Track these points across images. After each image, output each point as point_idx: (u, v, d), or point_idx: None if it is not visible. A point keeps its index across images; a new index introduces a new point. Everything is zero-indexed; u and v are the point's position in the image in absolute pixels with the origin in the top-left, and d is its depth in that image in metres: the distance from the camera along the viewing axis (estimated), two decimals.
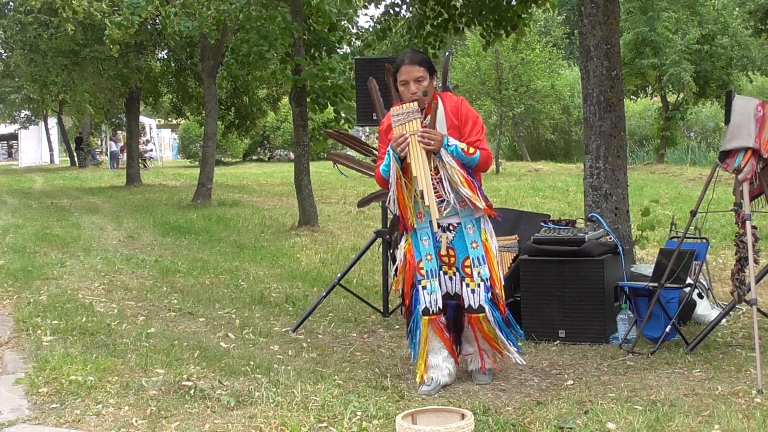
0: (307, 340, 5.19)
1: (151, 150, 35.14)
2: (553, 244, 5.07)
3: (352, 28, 12.93)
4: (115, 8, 12.86)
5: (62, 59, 18.25)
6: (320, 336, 5.34)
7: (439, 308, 4.11)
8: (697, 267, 5.14)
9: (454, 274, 4.14)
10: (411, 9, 10.11)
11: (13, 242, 9.79)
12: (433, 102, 4.07)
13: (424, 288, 4.11)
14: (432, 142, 3.93)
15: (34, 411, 3.80)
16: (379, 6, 10.64)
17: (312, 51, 11.60)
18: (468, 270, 4.08)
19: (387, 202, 4.18)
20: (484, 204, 4.03)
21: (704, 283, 5.63)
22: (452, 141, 4.00)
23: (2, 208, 15.14)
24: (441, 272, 4.15)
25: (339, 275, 5.83)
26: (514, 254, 5.55)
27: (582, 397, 3.83)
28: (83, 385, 4.07)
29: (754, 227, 4.45)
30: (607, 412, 3.57)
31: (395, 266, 4.33)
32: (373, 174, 4.55)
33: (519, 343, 4.32)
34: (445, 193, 4.02)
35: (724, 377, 4.10)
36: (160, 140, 38.93)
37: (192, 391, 3.96)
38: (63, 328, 5.30)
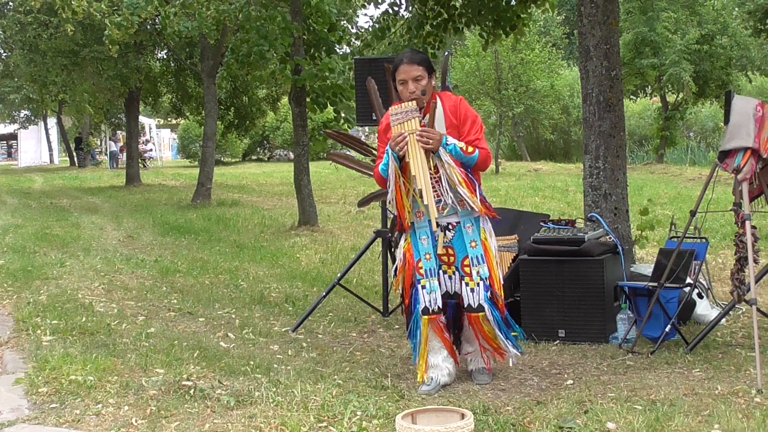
0: (306, 340, 5.19)
1: (151, 150, 35.14)
2: (553, 243, 5.07)
3: (352, 28, 12.94)
4: (115, 8, 12.85)
5: (62, 59, 18.25)
6: (320, 336, 5.35)
7: (438, 307, 4.11)
8: (697, 267, 5.14)
9: (454, 273, 4.14)
10: (411, 9, 10.11)
11: (12, 242, 9.79)
12: (431, 101, 4.07)
13: (423, 287, 4.11)
14: (431, 141, 3.93)
15: (33, 411, 3.80)
16: (379, 6, 10.65)
17: (312, 51, 11.61)
18: (467, 269, 4.09)
19: (387, 202, 4.18)
20: (479, 205, 4.02)
21: (704, 282, 5.64)
22: (451, 140, 4.00)
23: (2, 208, 15.14)
24: (440, 271, 4.15)
25: (339, 275, 5.83)
26: (514, 254, 5.55)
27: (582, 397, 3.83)
28: (83, 385, 4.07)
29: (753, 227, 4.45)
30: (607, 411, 3.57)
31: (395, 265, 4.33)
32: (372, 174, 4.55)
33: (519, 343, 4.32)
34: (444, 192, 4.02)
35: (723, 377, 4.10)
36: (160, 140, 38.94)
37: (192, 391, 3.96)
38: (63, 328, 5.30)
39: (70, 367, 4.31)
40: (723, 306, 5.42)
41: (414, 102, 4.01)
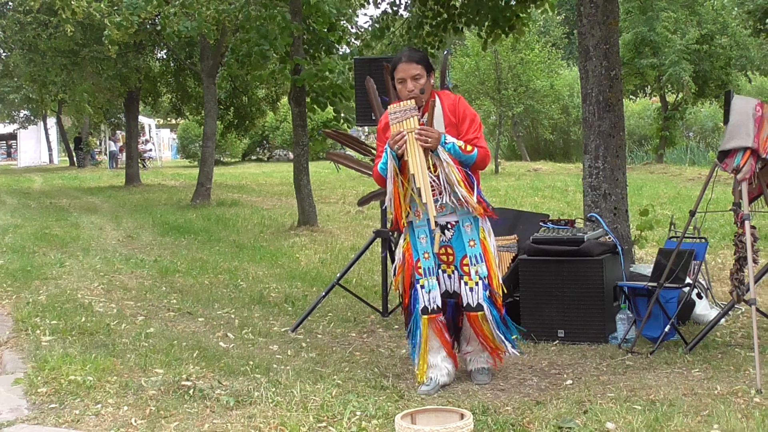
0: (306, 340, 5.19)
1: (151, 150, 35.12)
2: (553, 243, 5.07)
3: (352, 28, 12.93)
4: (115, 8, 12.85)
5: (61, 59, 18.24)
6: (319, 336, 5.34)
7: (437, 306, 4.11)
8: (696, 267, 5.14)
9: (453, 272, 4.14)
10: (410, 9, 10.10)
11: (12, 242, 9.78)
12: (430, 100, 4.07)
13: (422, 287, 4.11)
14: (429, 140, 3.93)
15: (33, 411, 3.80)
16: (379, 6, 10.65)
17: (311, 51, 11.61)
18: (466, 268, 4.08)
19: (385, 202, 4.17)
20: (476, 205, 4.01)
21: (703, 282, 5.64)
22: (449, 138, 4.00)
23: (1, 208, 15.13)
24: (440, 270, 4.15)
25: (338, 275, 5.83)
26: (513, 254, 5.55)
27: (581, 397, 3.83)
28: (82, 385, 4.07)
29: (752, 227, 4.45)
30: (606, 411, 3.57)
31: (394, 265, 4.33)
32: (371, 173, 4.55)
33: (517, 342, 4.32)
34: (442, 191, 4.02)
35: (723, 377, 4.11)
36: (159, 140, 38.92)
37: (191, 391, 3.96)
38: (62, 328, 5.30)
39: (69, 367, 4.31)
40: (722, 306, 5.42)
41: (413, 100, 4.01)
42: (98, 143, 37.33)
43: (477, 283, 4.07)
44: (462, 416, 3.32)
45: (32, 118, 34.88)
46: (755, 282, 4.44)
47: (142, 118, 29.09)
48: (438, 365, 4.12)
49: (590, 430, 3.40)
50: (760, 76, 27.21)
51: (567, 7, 33.03)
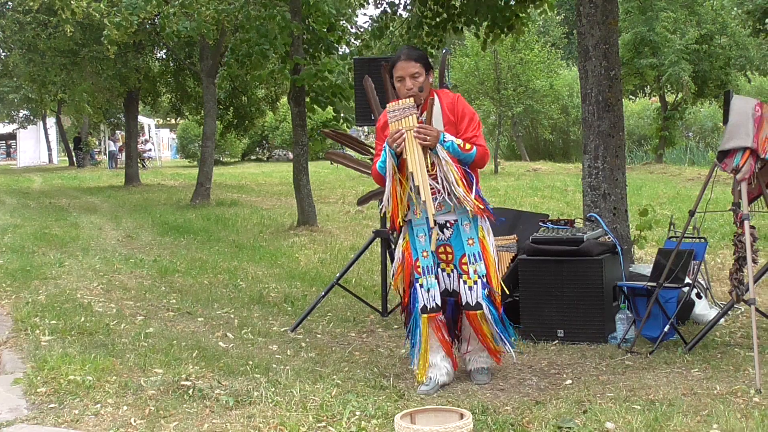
0: (305, 340, 5.19)
1: (150, 150, 35.12)
2: (552, 243, 5.08)
3: (351, 28, 12.93)
4: (114, 8, 12.84)
5: (61, 59, 18.23)
6: (319, 336, 5.34)
7: (436, 305, 4.12)
8: (696, 266, 5.14)
9: (452, 271, 4.14)
10: (410, 8, 10.11)
11: (11, 242, 9.78)
12: (429, 98, 4.07)
13: (421, 286, 4.12)
14: (428, 138, 3.93)
15: (32, 411, 3.80)
16: (378, 6, 10.65)
17: (311, 51, 11.61)
18: (465, 267, 4.08)
19: (382, 201, 4.16)
20: (473, 205, 4.01)
21: (703, 282, 5.64)
22: (448, 137, 3.99)
23: (1, 207, 15.13)
24: (439, 269, 4.15)
25: (338, 275, 5.83)
26: (513, 254, 5.55)
27: (581, 397, 3.83)
28: (82, 385, 4.06)
29: (752, 227, 4.45)
30: (606, 411, 3.58)
31: (394, 264, 4.33)
32: (370, 172, 4.55)
33: (517, 342, 4.32)
34: (440, 189, 4.02)
35: (722, 377, 4.11)
36: (159, 140, 38.90)
37: (191, 391, 3.96)
38: (61, 328, 5.30)
39: (68, 367, 4.31)
40: (722, 306, 5.42)
41: (411, 99, 4.01)
42: (98, 143, 37.32)
43: (476, 282, 4.07)
44: (461, 416, 3.32)
45: (32, 117, 34.86)
46: (754, 282, 4.44)
47: (141, 118, 29.08)
48: (437, 364, 4.12)
49: (590, 430, 3.40)
50: (759, 76, 27.21)
51: (566, 7, 33.05)
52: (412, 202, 4.07)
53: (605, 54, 5.88)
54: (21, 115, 34.62)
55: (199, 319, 5.79)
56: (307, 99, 11.08)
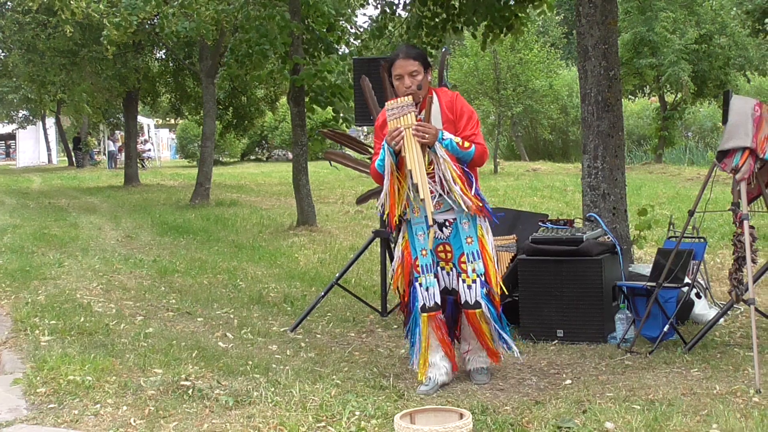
0: (305, 340, 5.19)
1: (149, 150, 35.11)
2: (552, 243, 5.08)
3: (351, 28, 12.93)
4: (113, 9, 12.85)
5: (60, 59, 18.23)
6: (318, 336, 5.34)
7: (436, 303, 4.12)
8: (695, 266, 5.14)
9: (451, 269, 4.14)
10: (409, 8, 10.10)
11: (10, 242, 9.78)
12: (427, 96, 4.07)
13: (420, 285, 4.12)
14: (426, 136, 3.93)
15: (32, 411, 3.80)
16: (378, 5, 10.65)
17: (311, 50, 11.61)
18: (464, 266, 4.09)
19: (379, 202, 4.16)
20: (471, 203, 4.00)
21: (702, 282, 5.64)
22: (447, 135, 3.99)
23: (0, 208, 15.12)
24: (438, 268, 4.15)
25: (337, 275, 5.83)
26: (513, 254, 5.55)
27: (580, 397, 3.84)
28: (81, 385, 4.06)
29: (751, 227, 4.45)
30: (606, 411, 3.58)
31: (393, 263, 4.33)
32: (369, 171, 4.55)
33: (516, 342, 4.32)
34: (439, 188, 4.02)
35: (722, 377, 4.11)
36: (158, 140, 38.90)
37: (190, 391, 3.96)
38: (61, 328, 5.30)
39: (68, 367, 4.31)
40: (721, 306, 5.43)
41: (410, 97, 4.01)
42: (97, 143, 37.32)
43: (474, 281, 4.07)
44: (461, 416, 3.32)
45: (31, 118, 34.83)
46: (754, 282, 4.44)
47: (140, 118, 29.07)
48: (437, 364, 4.13)
49: (589, 430, 3.40)
50: (758, 76, 27.23)
51: (566, 7, 33.06)
52: (411, 201, 4.07)
53: (604, 54, 5.88)
54: (20, 115, 34.59)
55: (199, 319, 5.79)
56: (307, 99, 11.08)
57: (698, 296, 5.38)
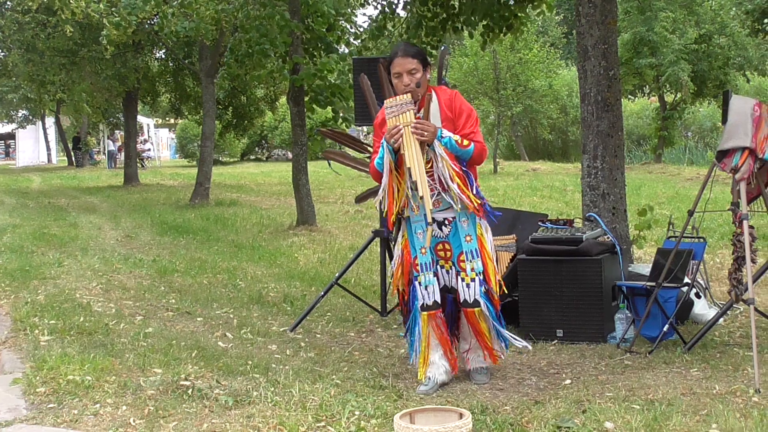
0: (305, 340, 5.19)
1: (149, 149, 35.11)
2: (551, 243, 5.08)
3: (351, 28, 12.93)
4: (113, 8, 12.84)
5: (60, 59, 18.23)
6: (318, 335, 5.34)
7: (435, 301, 4.12)
8: (695, 266, 5.14)
9: (451, 268, 4.14)
10: (410, 8, 10.10)
11: (10, 242, 9.77)
12: (426, 94, 4.07)
13: (420, 284, 4.12)
14: (425, 133, 3.93)
15: (31, 411, 3.80)
16: (378, 5, 10.64)
17: (311, 50, 11.61)
18: (463, 264, 4.09)
19: (377, 198, 4.16)
20: (468, 201, 4.00)
21: (702, 282, 5.64)
22: (446, 133, 3.99)
23: (0, 207, 15.12)
24: (438, 266, 4.15)
25: (337, 275, 5.83)
26: (512, 254, 5.55)
27: (580, 397, 3.84)
28: (81, 385, 4.06)
29: (751, 226, 4.45)
30: (605, 411, 3.58)
31: (393, 262, 4.33)
32: (368, 170, 4.55)
33: (514, 341, 4.32)
34: (437, 186, 4.02)
35: (721, 376, 4.11)
36: (158, 140, 38.91)
37: (190, 391, 3.96)
38: (60, 328, 5.30)
39: (68, 367, 4.31)
40: (721, 305, 5.43)
41: (409, 95, 4.01)
42: (97, 143, 37.31)
43: (473, 280, 4.07)
44: (461, 416, 3.32)
45: (31, 117, 34.84)
46: (753, 281, 4.44)
47: (140, 118, 29.07)
48: (436, 363, 4.13)
49: (589, 430, 3.40)
50: (758, 76, 27.23)
51: (566, 7, 33.06)
52: (410, 199, 4.07)
53: (604, 54, 5.88)
54: (20, 114, 34.60)
55: (199, 319, 5.79)
56: (306, 99, 11.08)
57: (698, 296, 5.38)
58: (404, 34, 10.10)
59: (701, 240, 5.39)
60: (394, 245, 4.33)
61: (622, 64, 19.84)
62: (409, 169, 3.92)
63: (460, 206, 4.02)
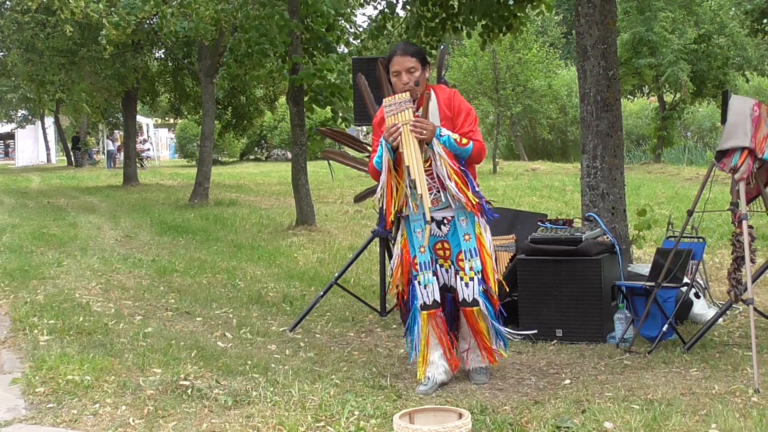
0: (304, 340, 5.19)
1: (148, 149, 35.10)
2: (551, 243, 5.08)
3: (350, 28, 12.94)
4: (112, 8, 12.84)
5: (59, 58, 18.22)
6: (318, 335, 5.34)
7: (435, 300, 4.12)
8: (694, 266, 5.15)
9: (450, 267, 4.14)
10: (410, 8, 10.10)
11: (9, 242, 9.77)
12: (425, 93, 4.07)
13: (419, 283, 4.12)
14: (424, 132, 3.93)
15: (31, 411, 3.80)
16: (377, 5, 10.64)
17: (310, 50, 11.60)
18: (461, 263, 4.09)
19: (375, 196, 4.15)
20: (465, 199, 3.99)
21: (701, 282, 5.64)
22: (445, 131, 3.99)
23: None
24: (437, 265, 4.15)
25: (336, 274, 5.83)
26: (512, 254, 5.55)
27: (579, 397, 3.84)
28: (80, 385, 4.06)
29: (750, 226, 4.45)
30: (605, 411, 3.58)
31: (392, 261, 4.33)
32: (367, 169, 4.54)
33: (515, 342, 4.32)
34: (436, 185, 4.02)
35: (720, 376, 4.11)
36: (158, 140, 38.90)
37: (189, 391, 3.96)
38: (60, 328, 5.30)
39: (67, 367, 4.30)
40: (720, 305, 5.43)
41: (407, 93, 4.01)
42: (96, 143, 37.29)
43: (472, 279, 4.07)
44: (460, 416, 3.32)
45: (30, 117, 34.85)
46: (753, 281, 4.44)
47: (140, 118, 29.07)
48: (435, 362, 4.13)
49: (588, 430, 3.40)
50: (757, 76, 27.26)
51: (565, 7, 33.06)
52: (409, 198, 4.06)
53: (603, 54, 5.88)
54: (19, 114, 34.60)
55: (198, 319, 5.79)
56: (306, 98, 11.08)
57: (697, 296, 5.38)
58: (403, 34, 10.10)
59: (700, 240, 5.39)
60: (393, 245, 4.33)
61: (622, 64, 19.84)
62: (408, 167, 3.92)
63: (456, 204, 4.02)
